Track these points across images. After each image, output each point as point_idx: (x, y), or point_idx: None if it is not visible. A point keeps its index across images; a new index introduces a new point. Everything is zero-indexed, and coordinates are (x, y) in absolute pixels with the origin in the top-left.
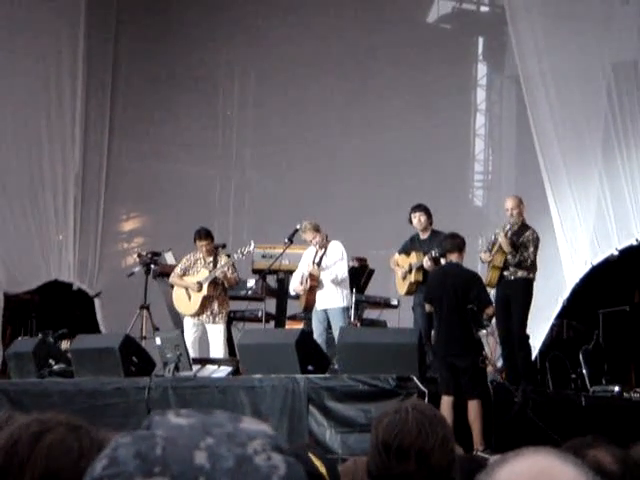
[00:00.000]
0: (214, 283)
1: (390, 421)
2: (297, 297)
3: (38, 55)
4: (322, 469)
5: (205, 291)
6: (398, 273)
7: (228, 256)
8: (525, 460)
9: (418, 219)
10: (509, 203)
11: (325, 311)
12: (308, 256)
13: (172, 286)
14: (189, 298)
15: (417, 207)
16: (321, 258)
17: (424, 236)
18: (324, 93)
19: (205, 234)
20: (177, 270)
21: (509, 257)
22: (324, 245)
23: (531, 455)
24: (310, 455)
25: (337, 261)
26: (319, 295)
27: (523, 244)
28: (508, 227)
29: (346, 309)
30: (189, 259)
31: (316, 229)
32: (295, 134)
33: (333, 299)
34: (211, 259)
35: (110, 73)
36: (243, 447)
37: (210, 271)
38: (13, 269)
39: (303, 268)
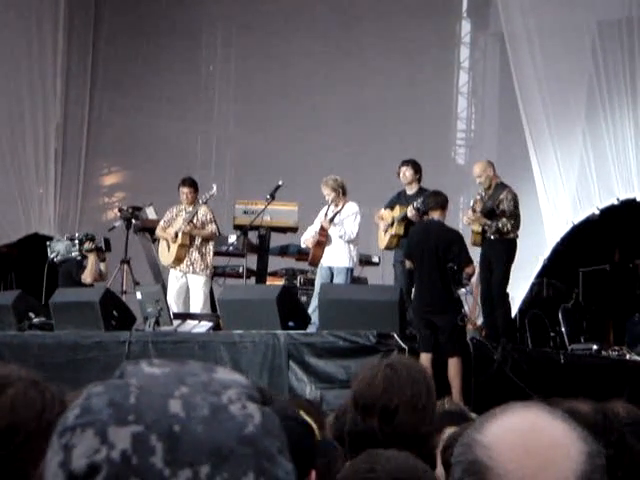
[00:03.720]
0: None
1: (362, 377)
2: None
3: (19, 8)
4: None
5: (180, 240)
6: (380, 226)
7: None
8: (515, 416)
9: (403, 173)
10: (475, 171)
11: (330, 268)
12: (323, 213)
13: (156, 240)
14: (169, 249)
15: (405, 162)
16: (334, 215)
17: (411, 191)
18: (307, 49)
19: (189, 182)
20: (161, 223)
21: (486, 228)
22: (339, 203)
23: (520, 411)
24: (301, 412)
25: (349, 216)
26: (327, 251)
27: (499, 207)
28: (480, 196)
29: (351, 270)
30: (172, 211)
31: (335, 188)
32: (277, 89)
33: (340, 257)
34: (191, 209)
35: (92, 26)
36: (218, 396)
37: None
38: None
39: (317, 224)
